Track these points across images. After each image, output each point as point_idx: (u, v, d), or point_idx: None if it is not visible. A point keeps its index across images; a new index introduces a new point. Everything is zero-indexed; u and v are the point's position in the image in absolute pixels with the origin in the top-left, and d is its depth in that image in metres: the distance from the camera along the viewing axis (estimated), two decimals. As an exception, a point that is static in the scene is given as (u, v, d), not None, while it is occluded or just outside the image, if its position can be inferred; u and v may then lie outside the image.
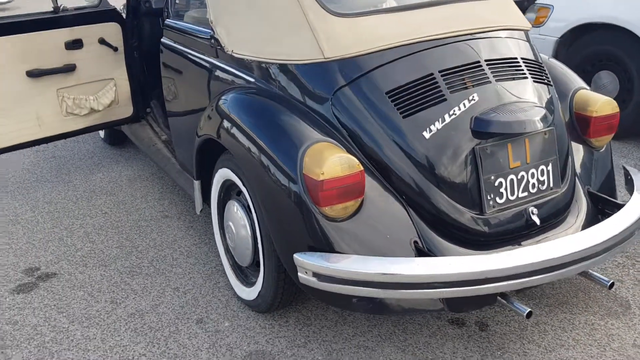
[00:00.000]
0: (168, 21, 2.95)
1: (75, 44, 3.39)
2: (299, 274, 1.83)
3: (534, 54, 2.25)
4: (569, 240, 1.89)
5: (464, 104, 1.94)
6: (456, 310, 1.89)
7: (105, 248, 2.93)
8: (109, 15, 3.47)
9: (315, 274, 1.77)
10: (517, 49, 2.17)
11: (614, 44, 4.00)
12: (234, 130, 2.08)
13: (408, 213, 1.92)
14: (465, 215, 1.91)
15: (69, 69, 3.41)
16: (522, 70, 2.11)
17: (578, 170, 2.28)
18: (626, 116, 3.97)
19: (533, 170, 2.00)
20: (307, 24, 2.04)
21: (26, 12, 3.37)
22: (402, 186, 1.91)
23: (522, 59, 2.15)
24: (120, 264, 2.77)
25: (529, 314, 1.82)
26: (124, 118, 3.70)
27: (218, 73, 2.41)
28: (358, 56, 1.99)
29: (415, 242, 1.88)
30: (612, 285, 1.99)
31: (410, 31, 2.04)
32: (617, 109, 2.34)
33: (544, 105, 2.08)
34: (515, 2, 2.44)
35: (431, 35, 2.04)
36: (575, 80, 2.48)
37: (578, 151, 2.33)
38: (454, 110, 1.93)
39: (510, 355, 2.07)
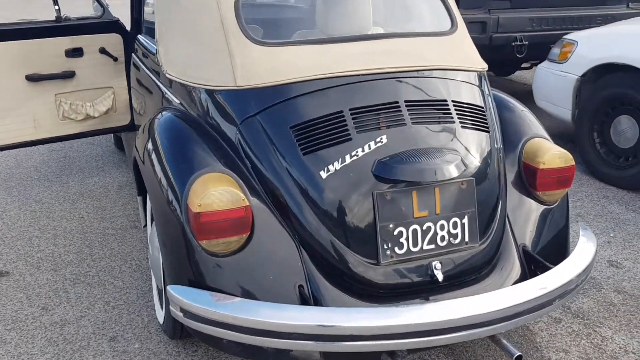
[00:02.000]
0: (139, 36, 3.00)
1: (75, 52, 3.52)
2: (170, 307, 1.78)
3: (476, 97, 2.09)
4: (469, 302, 1.73)
5: (369, 145, 1.83)
6: (333, 363, 1.77)
7: (64, 253, 2.99)
8: (111, 26, 3.58)
9: (182, 310, 1.72)
10: (450, 91, 2.03)
11: (634, 88, 3.69)
12: (147, 151, 2.07)
13: (300, 255, 1.82)
14: (359, 264, 1.79)
15: (68, 75, 3.54)
16: (450, 114, 1.97)
17: (517, 225, 2.09)
18: (643, 167, 3.65)
19: (443, 222, 1.85)
20: (227, 50, 2.00)
21: (29, 21, 3.54)
22: (297, 226, 1.83)
23: (453, 102, 2.00)
24: (69, 270, 2.82)
25: None
26: (120, 126, 3.80)
27: (158, 92, 2.41)
28: (269, 87, 1.92)
29: (301, 286, 1.79)
30: (519, 358, 1.80)
31: (329, 64, 1.95)
32: (571, 162, 2.14)
33: (471, 153, 1.93)
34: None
35: (351, 71, 1.95)
36: (532, 126, 2.30)
37: (522, 205, 2.14)
38: (357, 152, 1.82)
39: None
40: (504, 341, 1.86)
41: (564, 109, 4.29)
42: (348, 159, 1.81)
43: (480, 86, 2.17)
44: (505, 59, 5.47)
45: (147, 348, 2.24)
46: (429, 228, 1.84)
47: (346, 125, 1.85)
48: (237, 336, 1.66)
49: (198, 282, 1.78)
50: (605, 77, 3.93)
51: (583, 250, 2.02)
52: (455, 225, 1.87)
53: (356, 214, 1.79)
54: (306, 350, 1.68)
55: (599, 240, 3.10)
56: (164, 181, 1.90)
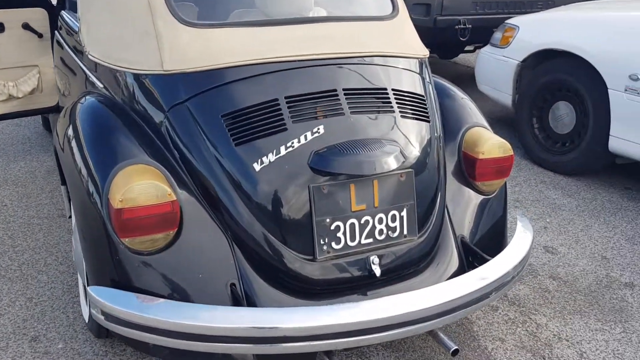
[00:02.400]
0: (62, 12, 2.79)
1: None
2: (91, 309, 1.66)
3: (417, 86, 2.04)
4: (405, 298, 1.69)
5: (305, 136, 1.74)
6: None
7: (-16, 244, 2.79)
8: (36, 0, 3.33)
9: (103, 313, 1.60)
10: (390, 79, 1.96)
11: (572, 74, 3.74)
12: (67, 138, 1.92)
13: (232, 252, 1.73)
14: (294, 260, 1.72)
15: None
16: (390, 103, 1.90)
17: (456, 216, 2.07)
18: (579, 153, 3.72)
19: (381, 215, 1.80)
20: (154, 31, 1.86)
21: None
22: (230, 221, 1.73)
23: (393, 90, 1.94)
24: (-11, 264, 2.63)
25: None
26: (46, 107, 3.56)
27: (82, 74, 2.24)
28: (199, 72, 1.80)
29: (233, 285, 1.70)
30: (455, 352, 1.78)
31: (265, 49, 1.85)
32: (510, 152, 2.12)
33: (411, 143, 1.88)
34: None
35: (288, 56, 1.85)
36: (472, 115, 2.27)
37: (461, 195, 2.12)
38: (292, 143, 1.73)
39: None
40: (441, 335, 1.83)
41: (504, 93, 4.32)
42: (283, 150, 1.72)
43: (421, 74, 2.11)
44: (448, 42, 5.47)
45: (71, 348, 2.11)
46: (367, 222, 1.78)
47: (281, 114, 1.76)
48: (163, 340, 1.56)
49: (122, 282, 1.66)
50: (544, 63, 3.97)
51: (520, 241, 2.01)
52: (394, 219, 1.82)
53: (291, 208, 1.71)
54: (237, 353, 1.60)
55: (536, 226, 3.14)
56: (84, 172, 1.76)
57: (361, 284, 1.80)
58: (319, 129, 1.76)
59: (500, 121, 4.90)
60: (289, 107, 1.77)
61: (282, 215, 1.70)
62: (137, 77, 1.89)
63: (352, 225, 1.76)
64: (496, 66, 4.34)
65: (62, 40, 2.62)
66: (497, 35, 4.38)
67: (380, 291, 1.81)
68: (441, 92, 2.35)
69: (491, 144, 2.10)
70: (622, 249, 2.94)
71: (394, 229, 1.83)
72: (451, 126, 2.21)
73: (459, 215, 2.08)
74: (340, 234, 1.75)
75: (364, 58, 1.96)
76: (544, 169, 3.96)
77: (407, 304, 1.67)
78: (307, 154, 1.72)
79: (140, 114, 1.88)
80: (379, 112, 1.87)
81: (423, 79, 2.11)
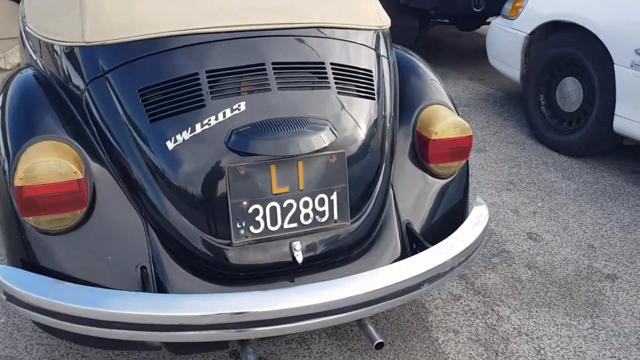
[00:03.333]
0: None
1: None
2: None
3: (364, 60, 1.89)
4: (323, 287, 1.60)
5: (224, 113, 1.64)
6: (177, 352, 1.64)
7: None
8: None
9: (5, 294, 1.56)
10: (331, 53, 1.82)
11: (579, 48, 3.48)
12: (-5, 113, 1.87)
13: (146, 234, 1.66)
14: (209, 244, 1.63)
15: None
16: (326, 78, 1.77)
17: (404, 201, 1.93)
18: (585, 133, 3.48)
19: (307, 198, 1.69)
20: (79, 1, 1.78)
21: None
22: (145, 202, 1.65)
23: (332, 65, 1.80)
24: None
25: None
26: None
27: (22, 46, 2.19)
28: (120, 44, 1.71)
29: (144, 268, 1.63)
30: (379, 345, 1.67)
31: (191, 20, 1.74)
32: (467, 133, 1.96)
33: (347, 122, 1.75)
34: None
35: (214, 27, 1.73)
36: (433, 93, 2.11)
37: (412, 179, 1.97)
38: (209, 120, 1.63)
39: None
40: (369, 326, 1.73)
41: (513, 68, 4.09)
42: (199, 128, 1.62)
43: (374, 47, 1.97)
44: (464, 13, 5.22)
45: (12, 323, 2.11)
46: (290, 205, 1.67)
47: (200, 89, 1.65)
48: (62, 324, 1.51)
49: (31, 262, 1.62)
50: (553, 36, 3.71)
51: (466, 230, 1.87)
52: (322, 203, 1.71)
53: (206, 189, 1.62)
54: (139, 340, 1.54)
55: (524, 211, 2.96)
56: (1, 146, 1.71)
57: (283, 271, 1.70)
58: (239, 105, 1.65)
59: (511, 99, 4.65)
60: (209, 82, 1.66)
61: (196, 197, 1.62)
62: (62, 49, 1.81)
63: (273, 208, 1.66)
64: (505, 39, 4.10)
65: (20, 13, 2.58)
66: (508, 5, 4.13)
67: (304, 279, 1.71)
68: (405, 67, 2.20)
69: (445, 124, 1.94)
70: (613, 237, 2.74)
71: (322, 214, 1.71)
72: (408, 104, 2.06)
73: (409, 200, 1.95)
74: (259, 218, 1.65)
75: (303, 29, 1.83)
76: (549, 150, 3.73)
77: (326, 293, 1.58)
78: (224, 133, 1.62)
79: (64, 87, 1.81)
80: (312, 88, 1.75)
81: (377, 53, 1.97)
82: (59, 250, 1.61)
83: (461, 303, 2.26)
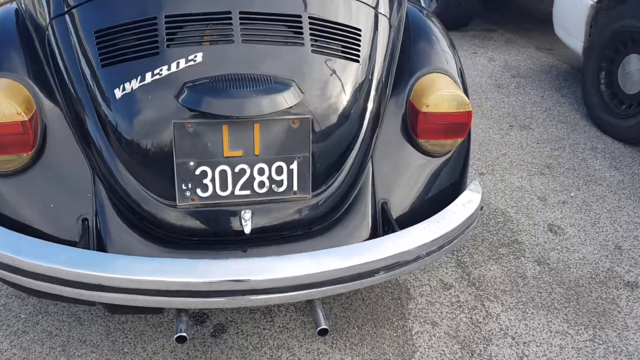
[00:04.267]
0: None
1: None
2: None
3: (354, 17, 1.69)
4: (267, 261, 1.47)
5: (177, 63, 1.50)
6: (112, 311, 1.58)
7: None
8: None
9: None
10: (312, 5, 1.63)
11: (649, 22, 3.06)
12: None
13: (93, 184, 1.58)
14: (153, 204, 1.54)
15: None
16: (300, 34, 1.59)
17: (383, 177, 1.75)
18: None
19: (262, 165, 1.54)
20: None
21: None
22: (93, 151, 1.57)
23: (311, 18, 1.62)
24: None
25: (180, 339, 1.47)
26: None
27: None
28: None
29: (85, 220, 1.56)
30: (323, 332, 1.54)
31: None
32: (465, 109, 1.74)
33: (317, 85, 1.57)
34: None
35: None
36: (437, 60, 1.88)
37: (397, 154, 1.78)
38: (161, 70, 1.50)
39: (217, 375, 1.73)
40: (318, 309, 1.59)
41: (576, 39, 3.69)
42: (149, 78, 1.50)
43: (371, 4, 1.76)
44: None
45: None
46: (242, 171, 1.54)
47: (156, 35, 1.52)
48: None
49: (-23, 203, 1.59)
50: (620, 6, 3.29)
51: (446, 215, 1.67)
52: (279, 171, 1.56)
53: (150, 145, 1.51)
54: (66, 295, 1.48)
55: (554, 199, 2.68)
56: None
57: (230, 240, 1.59)
58: (196, 56, 1.51)
59: (577, 74, 4.23)
60: (167, 28, 1.53)
61: (141, 152, 1.51)
62: (33, -16, 1.73)
63: (223, 172, 1.53)
64: (571, 5, 3.69)
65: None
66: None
67: (254, 251, 1.59)
68: (414, 29, 1.98)
69: (439, 95, 1.72)
70: (648, 240, 2.43)
71: (279, 183, 1.57)
72: (406, 70, 1.85)
73: (390, 178, 1.76)
74: (207, 181, 1.53)
75: (283, -24, 1.64)
76: (603, 133, 3.37)
77: (264, 269, 1.45)
78: (176, 85, 1.49)
79: (34, 25, 1.73)
80: (282, 43, 1.58)
81: (373, 11, 1.76)
82: (4, 191, 1.57)
83: (450, 293, 2.07)
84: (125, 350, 1.77)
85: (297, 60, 1.58)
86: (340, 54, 1.64)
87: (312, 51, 1.60)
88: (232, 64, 1.52)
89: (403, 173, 1.79)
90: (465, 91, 1.91)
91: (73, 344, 1.78)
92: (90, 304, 1.60)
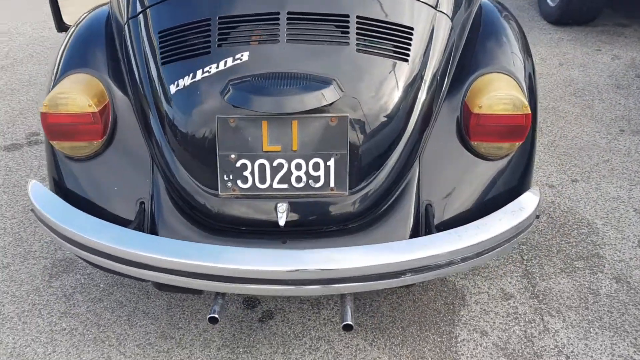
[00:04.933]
0: None
1: None
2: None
3: (407, 15, 1.68)
4: (291, 255, 1.53)
5: (225, 62, 1.60)
6: (159, 288, 1.72)
7: None
8: None
9: (32, 210, 1.77)
10: (362, 5, 1.65)
11: None
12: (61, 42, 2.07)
13: (152, 171, 1.74)
14: (198, 192, 1.65)
15: None
16: (347, 33, 1.61)
17: (431, 178, 1.72)
18: None
19: (300, 160, 1.59)
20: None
21: None
22: (152, 141, 1.72)
23: (359, 18, 1.63)
24: None
25: (212, 319, 1.58)
26: None
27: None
28: (161, -18, 1.76)
29: (142, 203, 1.72)
30: (347, 327, 1.56)
31: (218, -36, 1.70)
32: (523, 111, 1.66)
33: (360, 84, 1.59)
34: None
35: (241, -30, 1.68)
36: (501, 59, 1.80)
37: (449, 155, 1.74)
38: (210, 68, 1.61)
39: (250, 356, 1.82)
40: (348, 305, 1.61)
41: None
42: (199, 75, 1.61)
43: (432, 3, 1.74)
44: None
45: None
46: (280, 165, 1.60)
47: (209, 35, 1.63)
48: (63, 244, 1.68)
49: (58, 183, 1.81)
50: None
51: (487, 222, 1.61)
52: (317, 167, 1.60)
53: (197, 137, 1.62)
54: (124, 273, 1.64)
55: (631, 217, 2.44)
56: (52, 71, 1.89)
57: (268, 231, 1.66)
58: (242, 55, 1.60)
59: None
60: (220, 29, 1.63)
61: (189, 144, 1.63)
62: (119, -12, 1.93)
63: (262, 166, 1.60)
64: None
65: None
66: None
67: (289, 243, 1.64)
68: (485, 27, 1.92)
69: (493, 96, 1.66)
70: None
71: (316, 179, 1.61)
72: (467, 69, 1.80)
73: (439, 179, 1.73)
74: (247, 173, 1.61)
75: (334, -25, 1.67)
76: None
77: (288, 261, 1.51)
78: (222, 82, 1.59)
79: (116, 24, 1.93)
80: (328, 42, 1.61)
81: (432, 9, 1.73)
82: (79, 175, 1.77)
83: (509, 304, 1.98)
84: (180, 325, 1.92)
85: (341, 59, 1.60)
86: (389, 53, 1.64)
87: (357, 50, 1.61)
88: (276, 62, 1.59)
89: (453, 175, 1.74)
90: (533, 95, 1.81)
91: (138, 315, 1.96)
92: (142, 280, 1.76)
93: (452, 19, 1.79)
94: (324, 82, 1.54)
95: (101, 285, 2.10)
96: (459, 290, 2.04)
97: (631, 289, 2.03)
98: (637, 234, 2.30)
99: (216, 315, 1.59)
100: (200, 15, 1.66)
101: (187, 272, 1.55)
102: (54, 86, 1.77)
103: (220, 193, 1.63)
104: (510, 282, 2.07)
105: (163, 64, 1.67)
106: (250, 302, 2.01)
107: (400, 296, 2.02)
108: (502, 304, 1.98)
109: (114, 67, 1.83)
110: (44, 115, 1.69)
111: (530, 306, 1.96)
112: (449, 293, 2.03)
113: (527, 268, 2.13)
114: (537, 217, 1.75)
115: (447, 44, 1.75)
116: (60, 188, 1.80)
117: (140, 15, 1.77)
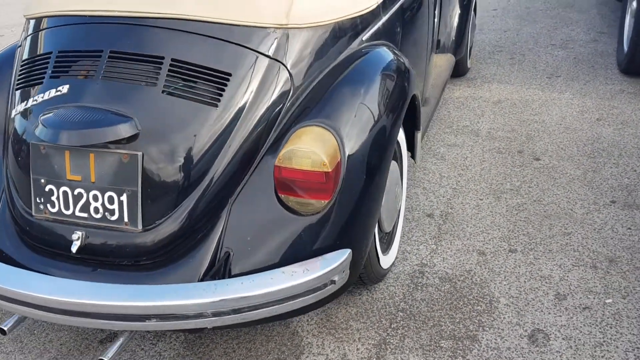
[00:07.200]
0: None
1: None
2: None
3: (226, 61, 1.69)
4: (61, 284, 1.61)
5: (49, 92, 1.73)
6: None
7: None
8: None
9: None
10: (181, 48, 1.69)
11: None
12: None
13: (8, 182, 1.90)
14: (20, 210, 1.79)
15: None
16: (157, 75, 1.66)
17: (240, 228, 1.70)
18: None
19: (96, 192, 1.66)
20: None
21: None
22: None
23: (174, 61, 1.68)
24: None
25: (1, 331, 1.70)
26: None
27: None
28: (30, 17, 1.95)
29: (-18, 216, 1.90)
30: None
31: (73, 2, 1.84)
32: (321, 169, 1.60)
33: (163, 125, 1.63)
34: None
35: (80, 10, 1.81)
36: (330, 111, 1.74)
37: (261, 206, 1.71)
38: (38, 97, 1.75)
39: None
40: (119, 340, 1.64)
41: None
42: (30, 103, 1.77)
43: (258, 49, 1.73)
44: None
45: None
46: (80, 194, 1.69)
47: (46, 67, 1.78)
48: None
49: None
50: None
51: (254, 280, 1.56)
52: (111, 201, 1.67)
53: (19, 161, 1.77)
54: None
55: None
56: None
57: (63, 255, 1.74)
58: (63, 88, 1.72)
59: None
60: (56, 62, 1.77)
61: (14, 165, 1.78)
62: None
63: (65, 193, 1.70)
64: None
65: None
66: None
67: (79, 269, 1.71)
68: (348, 75, 1.87)
69: (292, 150, 1.62)
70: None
71: (112, 212, 1.67)
72: (297, 120, 1.77)
73: (247, 229, 1.70)
74: (54, 198, 1.72)
75: (166, 20, 1.73)
76: None
77: (61, 290, 1.59)
78: (40, 111, 1.72)
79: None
80: (137, 82, 1.68)
81: (258, 55, 1.73)
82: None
83: (537, 347, 1.86)
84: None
85: (145, 99, 1.66)
86: (196, 97, 1.66)
87: (162, 92, 1.66)
88: (86, 97, 1.69)
89: (260, 227, 1.71)
90: (363, 154, 1.72)
91: None
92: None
93: (290, 68, 1.75)
94: (120, 119, 1.61)
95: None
96: (303, 346, 1.96)
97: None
98: (536, 322, 2.03)
99: (5, 328, 1.71)
100: (45, 48, 1.82)
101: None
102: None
103: (34, 214, 1.75)
104: (358, 349, 1.94)
105: (16, 89, 1.84)
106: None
107: (239, 342, 1.98)
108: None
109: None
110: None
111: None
112: (289, 348, 1.95)
113: (387, 338, 1.98)
114: (333, 282, 1.64)
115: (279, 93, 1.73)
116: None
117: (21, 45, 1.97)
